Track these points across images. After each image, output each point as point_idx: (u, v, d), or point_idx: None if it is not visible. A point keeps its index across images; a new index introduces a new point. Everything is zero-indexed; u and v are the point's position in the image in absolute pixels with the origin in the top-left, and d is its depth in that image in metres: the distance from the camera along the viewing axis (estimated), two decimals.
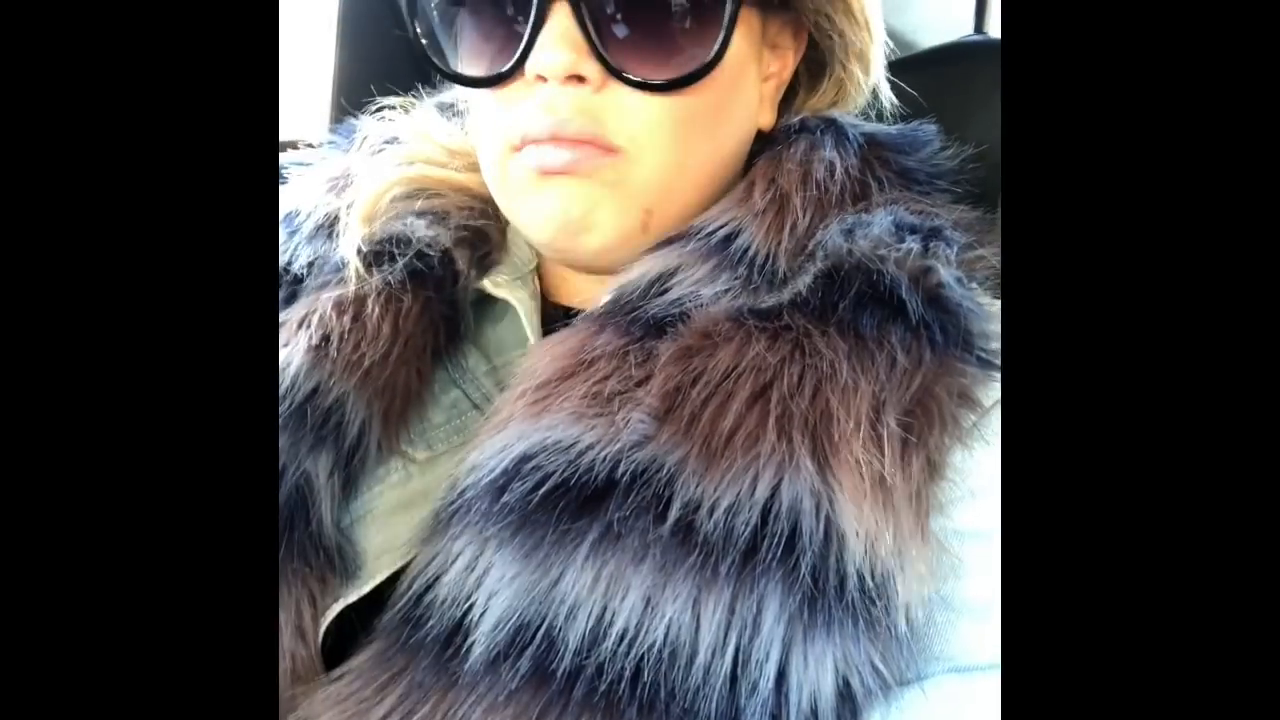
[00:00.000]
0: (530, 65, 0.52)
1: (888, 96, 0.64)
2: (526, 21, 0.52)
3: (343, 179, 0.65)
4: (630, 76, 0.52)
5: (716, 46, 0.53)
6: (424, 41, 0.56)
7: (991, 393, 0.48)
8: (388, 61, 0.58)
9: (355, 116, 0.68)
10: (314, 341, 0.57)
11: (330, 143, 0.69)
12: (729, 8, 0.53)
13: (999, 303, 0.50)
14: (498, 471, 0.49)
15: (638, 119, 0.53)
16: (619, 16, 0.52)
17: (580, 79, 0.52)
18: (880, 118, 0.63)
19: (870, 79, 0.62)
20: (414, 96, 0.70)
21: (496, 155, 0.56)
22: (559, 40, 0.51)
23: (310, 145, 0.69)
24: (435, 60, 0.56)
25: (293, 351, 0.56)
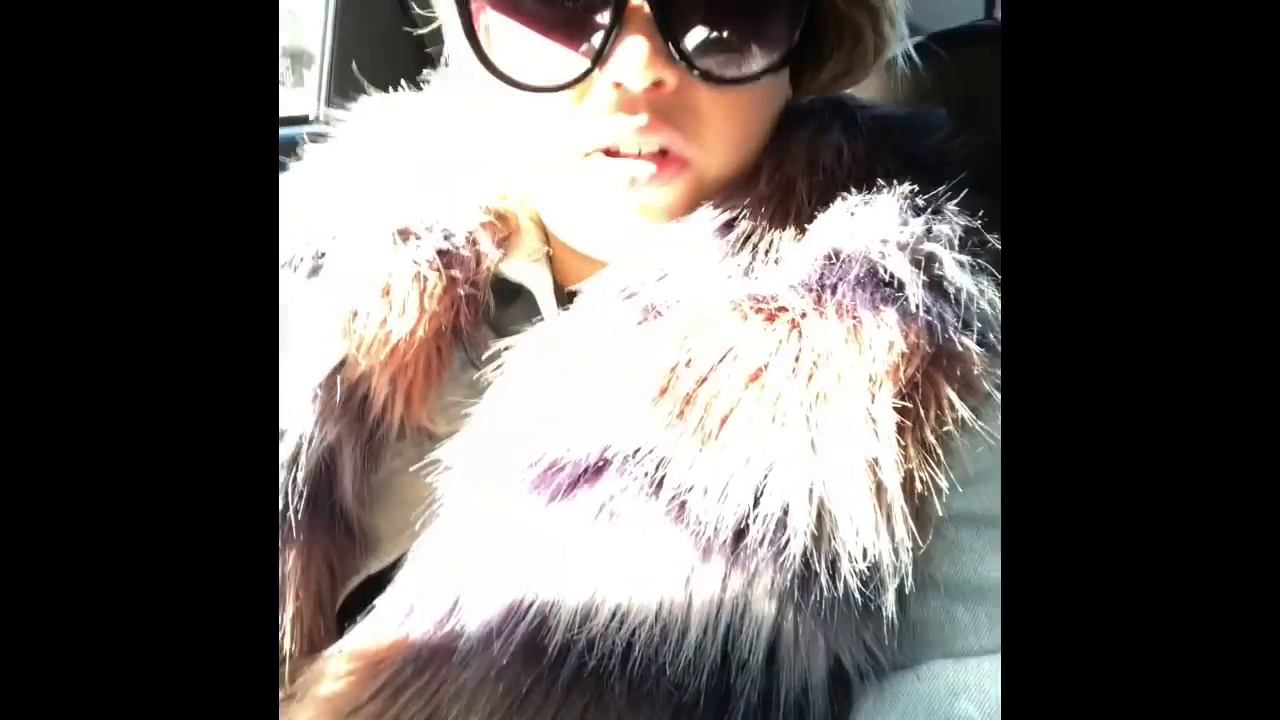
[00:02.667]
0: (611, 73, 0.49)
1: (901, 70, 0.62)
2: (599, 24, 0.49)
3: (363, 157, 0.64)
4: (716, 75, 0.50)
5: (798, 34, 0.51)
6: (473, 44, 0.51)
7: (989, 378, 0.47)
8: (384, 39, 0.56)
9: (366, 93, 0.67)
10: (343, 315, 0.56)
11: (344, 121, 0.68)
12: None
13: (1000, 286, 0.49)
14: (494, 452, 0.49)
15: (711, 119, 0.51)
16: (698, 14, 0.50)
17: (659, 84, 0.49)
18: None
19: (888, 50, 0.60)
20: (425, 76, 0.69)
21: (559, 163, 0.53)
22: (643, 45, 0.48)
23: (316, 120, 0.69)
24: (488, 64, 0.51)
25: (322, 323, 0.56)
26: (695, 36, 0.50)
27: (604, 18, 0.48)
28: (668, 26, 0.48)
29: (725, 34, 0.50)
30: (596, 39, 0.49)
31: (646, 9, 0.48)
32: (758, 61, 0.51)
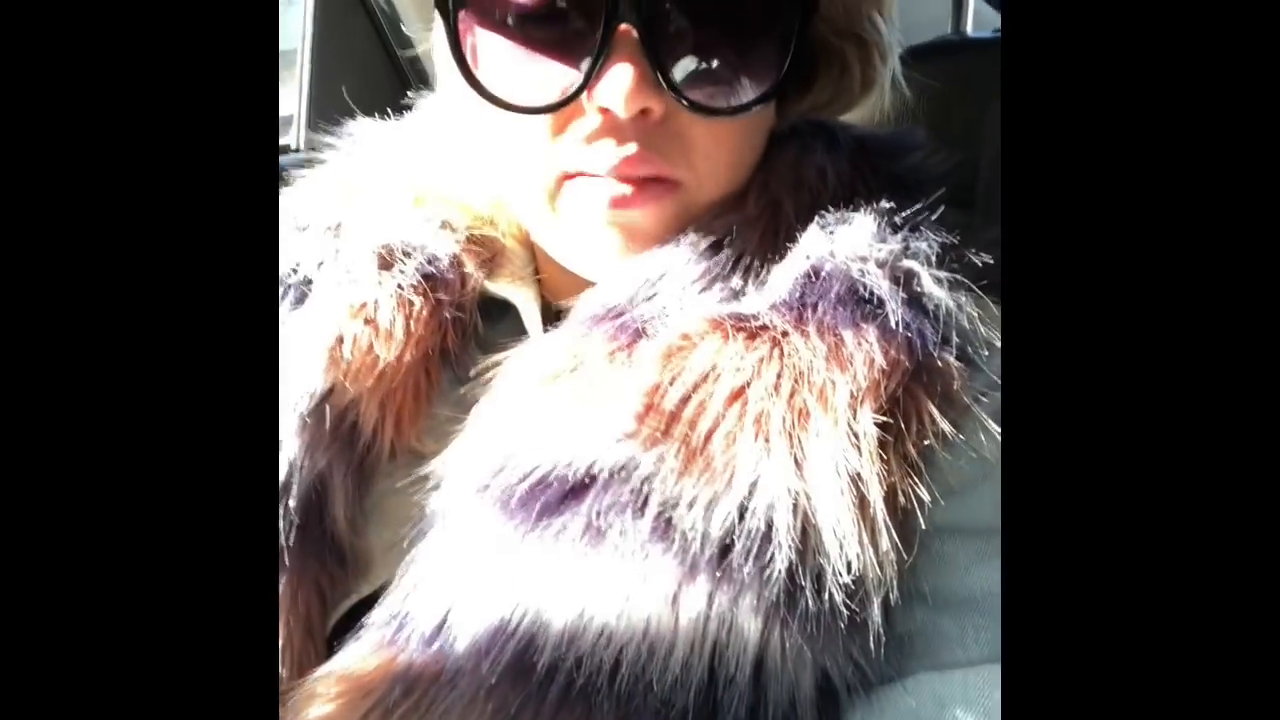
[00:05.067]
0: (598, 98, 0.48)
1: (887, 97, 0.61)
2: (587, 48, 0.48)
3: (349, 184, 0.62)
4: (703, 105, 0.49)
5: (786, 66, 0.50)
6: (460, 63, 0.50)
7: (970, 391, 0.46)
8: (361, 66, 0.55)
9: (343, 122, 0.66)
10: (328, 342, 0.55)
11: (331, 147, 0.66)
12: (797, 26, 0.50)
13: (978, 302, 0.49)
14: (480, 469, 0.48)
15: (699, 147, 0.50)
16: (687, 44, 0.49)
17: (646, 111, 0.48)
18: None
19: (876, 84, 0.59)
20: (411, 98, 0.68)
21: (542, 184, 0.52)
22: (630, 72, 0.47)
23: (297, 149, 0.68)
24: (475, 83, 0.50)
25: (308, 351, 0.55)
26: (684, 66, 0.49)
27: (593, 42, 0.47)
28: (656, 54, 0.47)
29: (714, 64, 0.49)
30: (584, 63, 0.48)
31: (635, 35, 0.47)
32: (746, 93, 0.50)
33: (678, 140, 0.50)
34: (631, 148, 0.49)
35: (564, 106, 0.49)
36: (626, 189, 0.50)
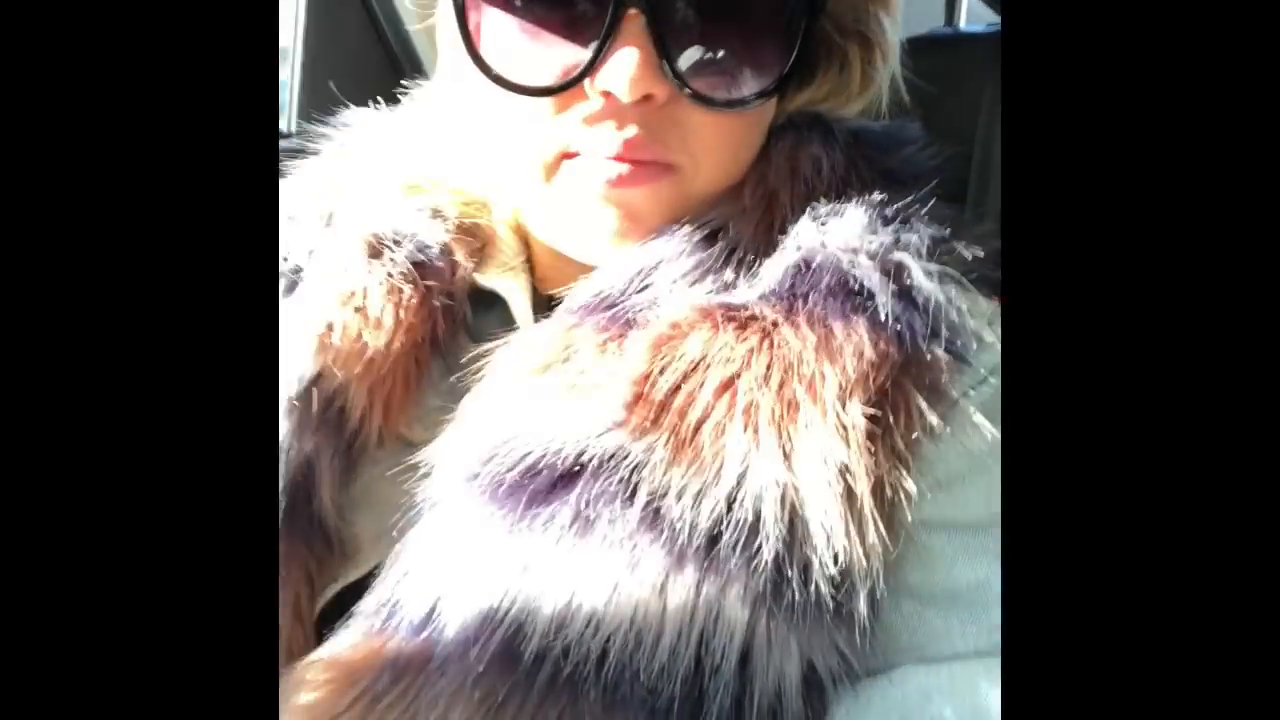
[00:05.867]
0: (601, 82, 0.48)
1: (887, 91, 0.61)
2: (593, 31, 0.47)
3: (340, 173, 0.62)
4: (706, 96, 0.49)
5: (790, 62, 0.50)
6: (466, 41, 0.50)
7: (959, 385, 0.46)
8: (354, 51, 0.55)
9: (336, 107, 0.66)
10: (317, 330, 0.54)
11: (324, 136, 0.66)
12: (804, 21, 0.50)
13: (968, 296, 0.49)
14: (470, 458, 0.48)
15: (699, 136, 0.50)
16: (693, 33, 0.48)
17: (648, 97, 0.48)
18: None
19: (875, 82, 0.58)
20: (403, 89, 0.67)
21: (540, 164, 0.52)
22: (635, 58, 0.47)
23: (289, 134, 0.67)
24: (479, 61, 0.50)
25: (296, 339, 0.55)
26: (689, 55, 0.48)
27: (599, 24, 0.47)
28: (662, 41, 0.47)
29: (719, 54, 0.49)
30: (589, 45, 0.48)
31: (642, 20, 0.47)
32: (750, 85, 0.50)
33: (678, 128, 0.50)
34: (632, 131, 0.49)
35: (568, 89, 0.49)
36: (625, 168, 0.50)
